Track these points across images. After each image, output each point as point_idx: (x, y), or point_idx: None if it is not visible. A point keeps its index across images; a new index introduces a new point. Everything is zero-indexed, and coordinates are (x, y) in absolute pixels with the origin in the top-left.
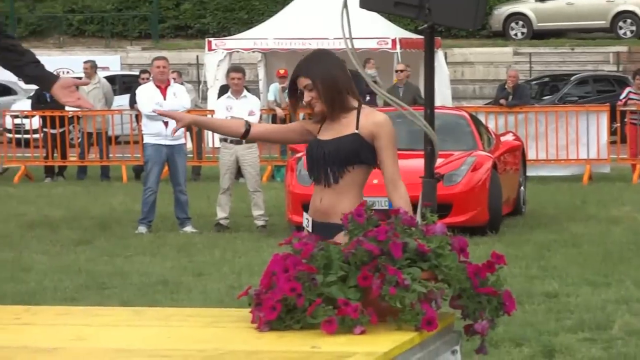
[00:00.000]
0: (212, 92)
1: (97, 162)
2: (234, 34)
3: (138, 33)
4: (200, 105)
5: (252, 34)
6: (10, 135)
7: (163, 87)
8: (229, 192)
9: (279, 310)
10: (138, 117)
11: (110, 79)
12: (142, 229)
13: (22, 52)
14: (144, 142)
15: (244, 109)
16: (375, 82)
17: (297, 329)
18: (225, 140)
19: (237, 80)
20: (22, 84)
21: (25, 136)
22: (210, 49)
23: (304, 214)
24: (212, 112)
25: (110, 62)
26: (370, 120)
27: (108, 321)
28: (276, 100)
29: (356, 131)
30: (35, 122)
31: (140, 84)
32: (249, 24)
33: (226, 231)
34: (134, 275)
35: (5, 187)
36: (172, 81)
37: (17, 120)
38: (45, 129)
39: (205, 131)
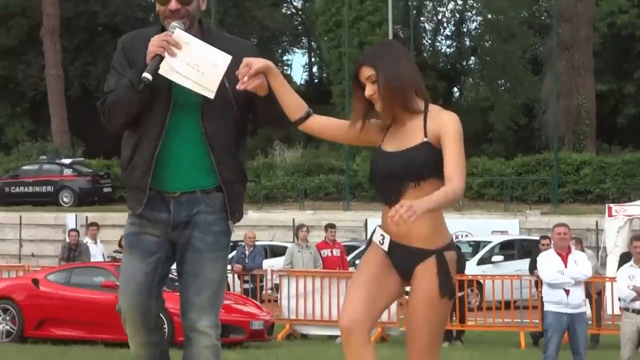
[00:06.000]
0: (612, 259)
1: (487, 327)
2: (635, 200)
3: (537, 197)
4: (600, 272)
5: None
6: None
7: (564, 255)
8: None
9: None
10: (538, 283)
11: (509, 243)
12: None
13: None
14: (545, 309)
15: None
16: None
17: None
18: (627, 309)
19: None
20: None
21: None
22: (610, 215)
23: (378, 229)
24: (612, 279)
25: (509, 226)
26: (437, 121)
27: None
28: None
29: (425, 139)
30: None
31: (540, 250)
32: None
33: None
34: None
35: None
36: (572, 248)
37: None
38: None
39: (605, 298)
